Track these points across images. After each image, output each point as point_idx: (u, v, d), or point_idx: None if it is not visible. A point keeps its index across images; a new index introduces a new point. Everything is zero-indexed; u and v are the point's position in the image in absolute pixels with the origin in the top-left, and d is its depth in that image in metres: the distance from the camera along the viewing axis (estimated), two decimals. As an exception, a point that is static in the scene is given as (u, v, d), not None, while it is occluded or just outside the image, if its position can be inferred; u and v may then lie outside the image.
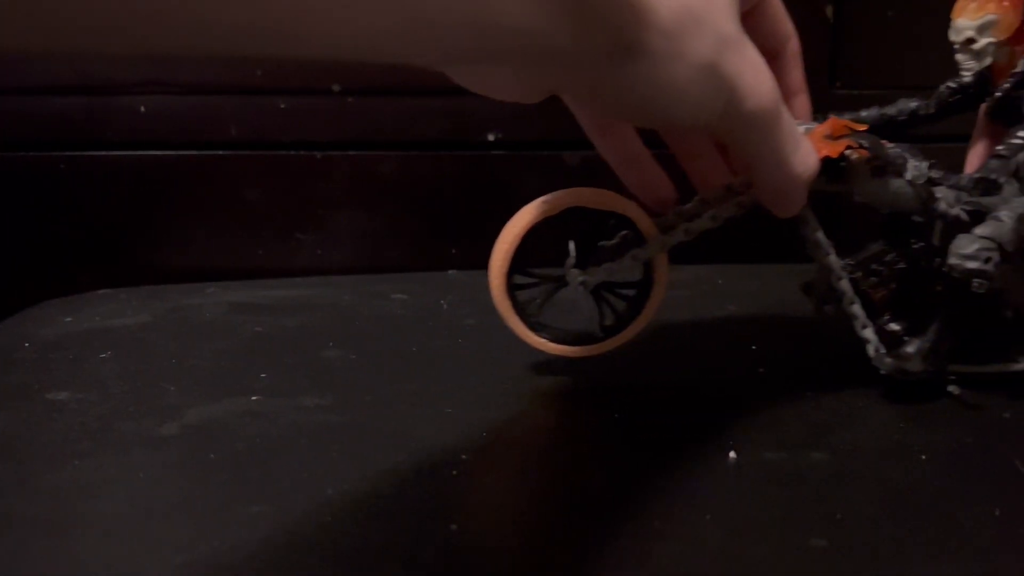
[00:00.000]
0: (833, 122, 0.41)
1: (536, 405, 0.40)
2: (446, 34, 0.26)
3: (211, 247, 0.72)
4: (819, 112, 0.43)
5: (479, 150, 0.72)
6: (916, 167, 0.40)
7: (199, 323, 0.55)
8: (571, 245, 0.41)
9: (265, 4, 0.21)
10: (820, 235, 0.41)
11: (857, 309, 0.41)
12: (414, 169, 0.71)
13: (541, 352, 0.42)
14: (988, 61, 0.39)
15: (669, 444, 0.37)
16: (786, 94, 0.42)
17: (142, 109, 0.69)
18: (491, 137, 0.70)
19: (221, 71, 0.68)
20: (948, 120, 0.43)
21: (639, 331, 0.43)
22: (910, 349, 0.40)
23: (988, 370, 0.42)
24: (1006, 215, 0.39)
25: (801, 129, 0.40)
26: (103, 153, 0.69)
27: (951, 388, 0.40)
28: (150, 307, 0.58)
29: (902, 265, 0.42)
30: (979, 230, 0.39)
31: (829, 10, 0.66)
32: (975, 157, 0.45)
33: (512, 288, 0.41)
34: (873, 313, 0.41)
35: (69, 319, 0.56)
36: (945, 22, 0.41)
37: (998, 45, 0.39)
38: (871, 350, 0.40)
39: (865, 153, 0.39)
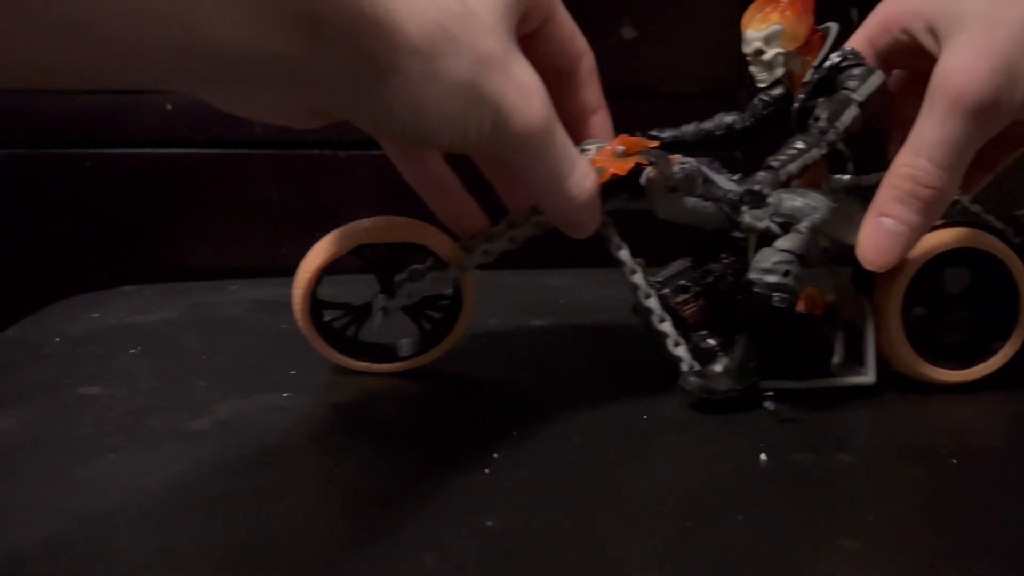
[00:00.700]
0: (623, 139, 0.40)
1: (565, 404, 0.40)
2: (158, 59, 0.26)
3: (233, 244, 0.72)
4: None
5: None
6: (709, 182, 0.40)
7: (224, 320, 0.55)
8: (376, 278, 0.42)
9: None
10: (624, 253, 0.41)
11: (667, 327, 0.41)
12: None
13: (571, 351, 0.42)
14: (780, 72, 0.39)
15: (699, 446, 0.37)
16: (584, 113, 0.43)
17: (168, 108, 0.69)
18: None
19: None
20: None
21: (449, 349, 0.44)
22: (717, 368, 0.40)
23: (812, 385, 0.41)
24: (804, 226, 0.39)
25: (592, 148, 0.40)
26: (128, 151, 0.70)
27: (766, 404, 0.39)
28: (174, 303, 0.58)
29: (709, 280, 0.41)
30: (779, 243, 0.39)
31: (854, 13, 0.67)
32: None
33: (318, 318, 0.43)
34: (686, 330, 0.41)
35: (96, 315, 0.57)
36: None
37: (789, 56, 0.39)
38: (684, 367, 0.40)
39: (656, 170, 0.39)
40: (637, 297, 0.41)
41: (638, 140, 0.40)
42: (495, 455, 0.35)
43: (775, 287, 0.38)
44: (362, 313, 0.43)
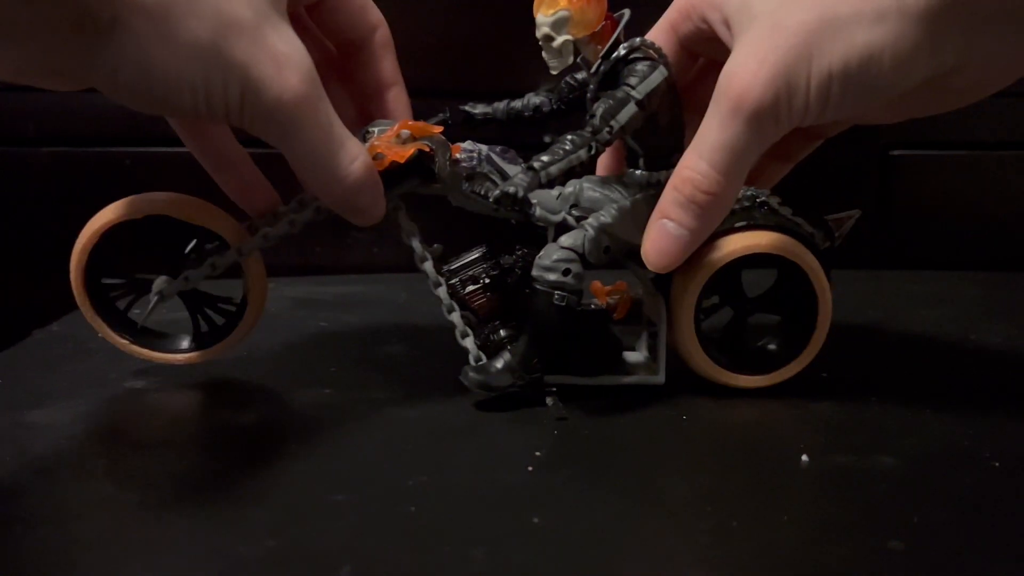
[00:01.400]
0: (406, 123, 0.40)
1: (605, 402, 0.41)
2: None
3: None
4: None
5: (531, 150, 0.72)
6: (492, 173, 0.40)
7: (265, 317, 0.55)
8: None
9: None
10: (416, 242, 0.41)
11: (455, 317, 0.41)
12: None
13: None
14: (569, 60, 0.38)
15: (742, 447, 0.37)
16: (379, 87, 0.42)
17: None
18: (547, 139, 0.71)
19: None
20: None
21: (241, 339, 0.44)
22: (498, 364, 0.40)
23: (600, 382, 0.41)
24: (591, 224, 0.39)
25: (375, 131, 0.39)
26: (166, 150, 0.71)
27: (548, 400, 0.40)
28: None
29: (496, 273, 0.41)
30: (563, 239, 0.39)
31: None
32: (605, 158, 0.45)
33: (94, 288, 0.42)
34: (477, 320, 0.41)
35: (137, 311, 0.58)
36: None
37: (580, 42, 0.38)
38: (471, 360, 0.40)
39: (430, 152, 0.39)
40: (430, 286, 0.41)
41: (422, 125, 0.40)
42: (537, 453, 0.36)
43: (555, 285, 0.38)
44: (143, 292, 0.43)
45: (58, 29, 0.30)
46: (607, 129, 0.37)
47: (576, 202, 0.40)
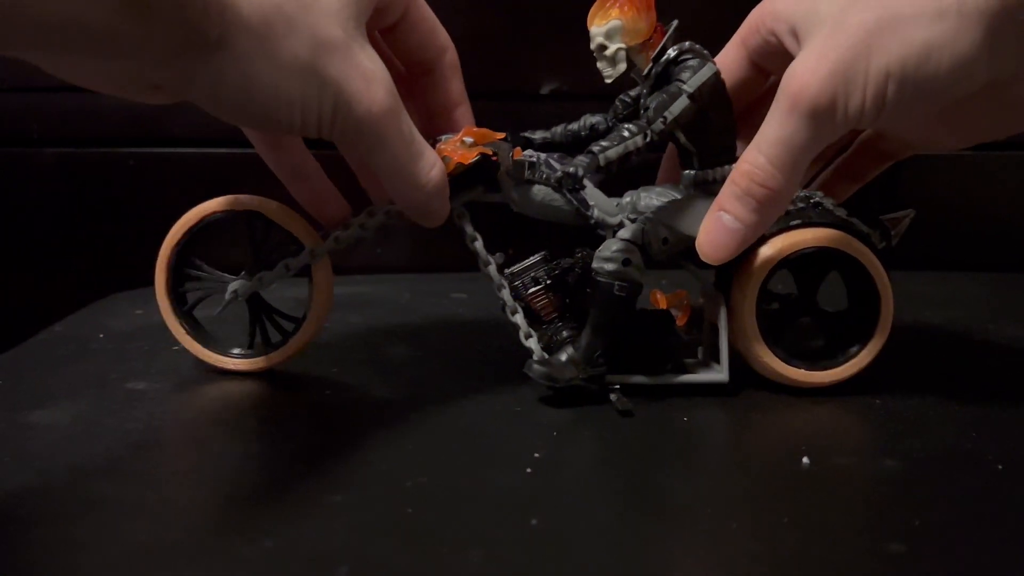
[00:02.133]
0: (469, 130, 0.41)
1: (604, 404, 0.41)
2: None
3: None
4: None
5: (537, 151, 0.72)
6: (550, 169, 0.41)
7: (266, 317, 0.56)
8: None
9: None
10: (478, 245, 0.42)
11: (519, 319, 0.41)
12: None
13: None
14: (623, 68, 0.39)
15: (742, 448, 0.37)
16: (447, 107, 0.44)
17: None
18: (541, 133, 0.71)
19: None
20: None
21: (304, 345, 0.44)
22: (562, 357, 0.40)
23: (663, 381, 0.42)
24: (647, 216, 0.40)
25: (442, 139, 0.41)
26: (171, 150, 0.71)
27: (612, 396, 0.40)
28: (217, 300, 0.59)
29: (557, 272, 0.42)
30: (621, 233, 0.40)
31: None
32: (663, 168, 0.46)
33: (176, 283, 0.44)
34: (539, 322, 0.42)
35: (140, 311, 0.58)
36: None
37: (632, 51, 0.39)
38: (535, 358, 0.41)
39: (495, 157, 0.40)
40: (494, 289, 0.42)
41: (484, 131, 0.41)
42: (537, 455, 0.35)
43: (613, 275, 0.39)
44: (212, 290, 0.44)
45: (168, 46, 0.31)
46: (661, 119, 0.39)
47: (633, 208, 0.41)
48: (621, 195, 0.42)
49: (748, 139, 0.38)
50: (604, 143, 0.40)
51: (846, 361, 0.42)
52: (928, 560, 0.28)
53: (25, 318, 0.59)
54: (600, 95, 0.45)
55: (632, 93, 0.42)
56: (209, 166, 0.71)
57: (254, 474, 0.34)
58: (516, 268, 0.42)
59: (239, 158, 0.72)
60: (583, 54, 0.41)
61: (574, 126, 0.43)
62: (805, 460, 0.35)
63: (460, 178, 0.41)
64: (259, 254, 0.44)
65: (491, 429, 0.38)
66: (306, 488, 0.33)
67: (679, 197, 0.41)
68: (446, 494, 0.32)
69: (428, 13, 0.42)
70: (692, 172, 0.41)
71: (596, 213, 0.41)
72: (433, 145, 0.41)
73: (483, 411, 0.40)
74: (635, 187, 0.42)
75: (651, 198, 0.41)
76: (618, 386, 0.41)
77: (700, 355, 0.43)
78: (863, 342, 0.42)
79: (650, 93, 0.40)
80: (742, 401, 0.41)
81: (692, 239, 0.40)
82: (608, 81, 0.40)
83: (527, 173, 0.41)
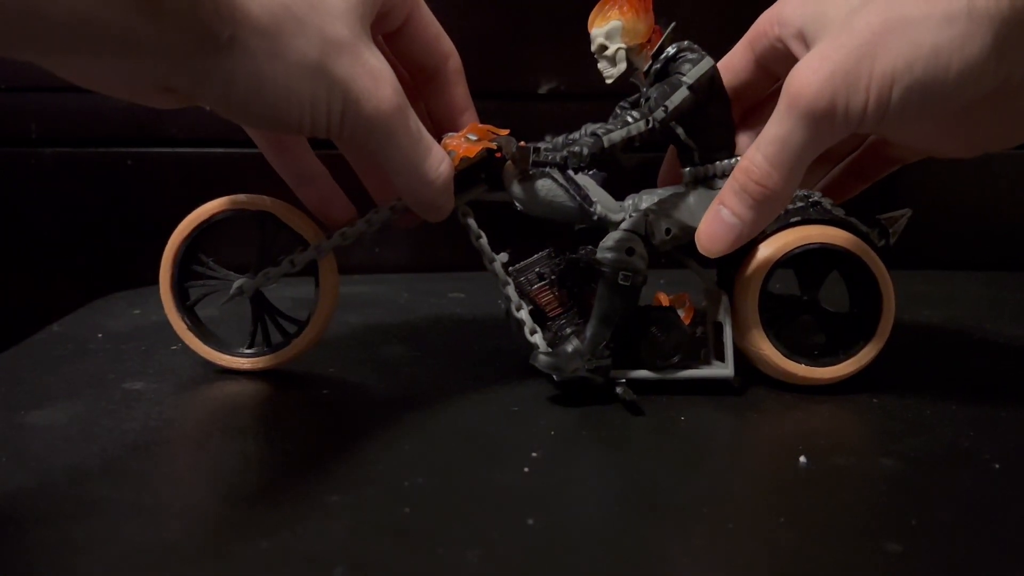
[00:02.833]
0: (473, 127, 0.42)
1: (602, 404, 0.41)
2: None
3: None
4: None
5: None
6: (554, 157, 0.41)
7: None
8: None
9: None
10: (483, 242, 0.43)
11: (524, 315, 0.42)
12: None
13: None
14: (623, 67, 0.40)
15: (740, 448, 0.37)
16: (452, 112, 0.44)
17: (207, 107, 0.70)
18: (547, 139, 0.71)
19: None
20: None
21: (309, 345, 0.44)
22: (568, 348, 0.41)
23: (669, 376, 0.42)
24: (650, 207, 0.41)
25: (446, 136, 0.42)
26: (169, 150, 0.71)
27: (618, 389, 0.40)
28: (214, 300, 0.59)
29: (563, 266, 0.42)
30: (624, 224, 0.40)
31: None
32: (663, 170, 0.46)
33: (181, 279, 0.44)
34: (544, 317, 0.42)
35: (137, 311, 0.58)
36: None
37: (631, 51, 0.40)
38: (535, 352, 0.41)
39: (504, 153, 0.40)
40: (497, 285, 0.42)
41: (489, 128, 0.42)
42: (534, 454, 0.35)
43: (616, 263, 0.40)
44: (215, 288, 0.45)
45: (180, 46, 0.31)
46: (662, 108, 0.39)
47: (635, 207, 0.41)
48: (623, 198, 0.42)
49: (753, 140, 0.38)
50: (608, 126, 0.40)
51: (847, 358, 0.42)
52: (925, 559, 0.28)
53: (24, 318, 0.59)
54: (597, 95, 0.45)
55: (631, 99, 0.42)
56: (207, 166, 0.71)
57: (251, 474, 0.34)
58: (520, 265, 0.43)
59: (237, 158, 0.73)
60: (580, 54, 0.41)
61: (575, 134, 0.43)
62: (803, 459, 0.35)
63: (464, 175, 0.41)
64: (266, 254, 0.44)
65: (489, 429, 0.38)
66: (304, 488, 0.33)
67: (680, 190, 0.41)
68: (444, 494, 0.32)
69: (431, 19, 0.42)
70: (692, 168, 0.41)
71: (599, 209, 0.41)
72: (439, 142, 0.41)
73: (481, 411, 0.40)
74: (636, 190, 0.42)
75: (653, 198, 0.41)
76: (624, 380, 0.41)
77: (703, 355, 0.43)
78: (864, 340, 0.42)
79: (649, 89, 0.40)
80: (740, 401, 0.41)
81: (694, 231, 0.40)
82: (609, 81, 0.40)
83: (533, 156, 0.41)
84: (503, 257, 0.43)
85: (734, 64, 0.43)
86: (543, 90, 0.70)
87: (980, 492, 0.33)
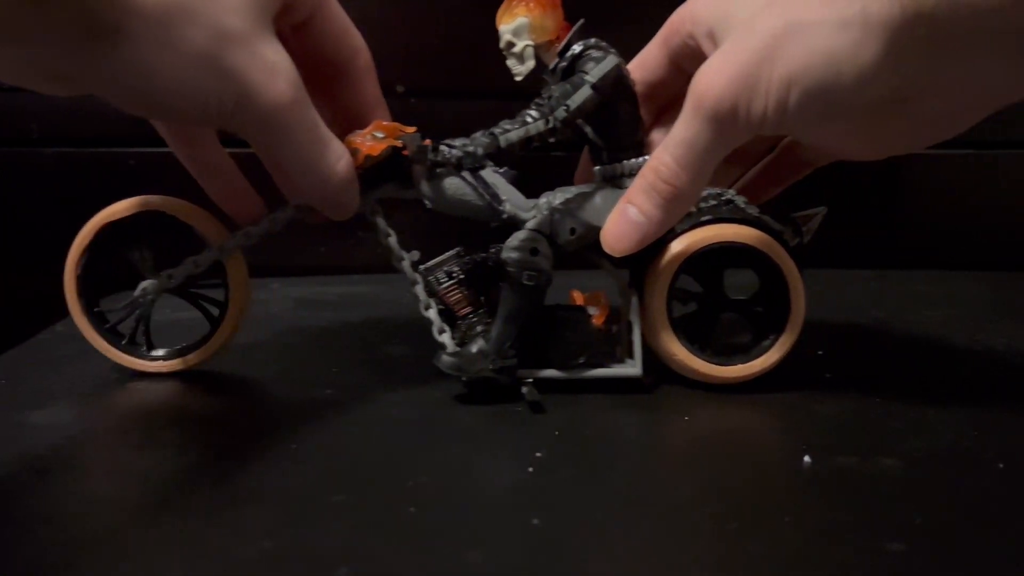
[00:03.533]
0: (379, 124, 0.41)
1: (606, 403, 0.41)
2: None
3: (274, 243, 0.73)
4: None
5: (539, 151, 0.72)
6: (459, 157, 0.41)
7: (266, 317, 0.56)
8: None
9: None
10: (392, 241, 0.42)
11: (432, 314, 0.42)
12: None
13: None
14: (531, 64, 0.40)
15: (743, 448, 0.37)
16: (362, 109, 0.44)
17: (99, 96, 0.70)
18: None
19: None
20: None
21: (223, 343, 0.44)
22: (473, 349, 0.41)
23: (578, 375, 0.42)
24: (553, 205, 0.41)
25: (351, 135, 0.41)
26: (169, 150, 0.71)
27: (524, 390, 0.40)
28: (215, 300, 0.59)
29: (470, 266, 0.42)
30: (528, 223, 0.40)
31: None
32: (579, 169, 0.46)
33: (87, 292, 0.43)
34: (453, 317, 0.42)
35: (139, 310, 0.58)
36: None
37: (540, 48, 0.40)
38: (439, 353, 0.41)
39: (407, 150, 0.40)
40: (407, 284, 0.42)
41: (395, 125, 0.42)
42: (538, 454, 0.35)
43: (520, 263, 0.40)
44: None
45: (64, 33, 0.30)
46: (563, 107, 0.39)
47: (548, 206, 0.41)
48: (539, 196, 0.42)
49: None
50: (506, 125, 0.40)
51: (758, 356, 0.42)
52: (928, 559, 0.28)
53: (25, 318, 0.59)
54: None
55: (548, 93, 0.42)
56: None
57: (253, 474, 0.34)
58: (430, 264, 0.43)
59: (241, 157, 0.73)
60: None
61: (495, 130, 0.43)
62: (807, 459, 0.35)
63: (372, 172, 0.41)
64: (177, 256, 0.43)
65: (492, 428, 0.38)
66: (306, 488, 0.33)
67: (587, 189, 0.41)
68: (446, 494, 0.32)
69: (339, 13, 0.42)
70: (600, 167, 0.42)
71: (508, 207, 0.41)
72: (342, 139, 0.41)
73: (483, 410, 0.40)
74: (552, 188, 0.42)
75: (566, 196, 0.41)
76: (531, 380, 0.41)
77: (619, 353, 0.43)
78: (774, 337, 0.42)
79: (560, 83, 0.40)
80: (743, 401, 0.41)
81: (599, 230, 0.40)
82: (518, 79, 0.40)
83: (430, 155, 0.41)
84: (414, 255, 0.42)
85: (648, 61, 0.43)
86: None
87: (983, 492, 0.33)
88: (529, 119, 0.40)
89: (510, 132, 0.40)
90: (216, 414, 0.41)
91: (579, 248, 0.41)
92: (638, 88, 0.42)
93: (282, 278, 0.67)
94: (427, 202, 0.42)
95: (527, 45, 0.39)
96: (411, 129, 0.41)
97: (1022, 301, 0.63)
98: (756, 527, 0.30)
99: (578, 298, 0.44)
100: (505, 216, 0.41)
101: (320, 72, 0.42)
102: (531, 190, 0.42)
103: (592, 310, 0.43)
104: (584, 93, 0.39)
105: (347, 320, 0.56)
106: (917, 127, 0.38)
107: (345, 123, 0.44)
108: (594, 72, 0.39)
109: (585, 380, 0.42)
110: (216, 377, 0.44)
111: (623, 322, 0.43)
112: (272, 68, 0.35)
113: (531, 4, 0.39)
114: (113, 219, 0.43)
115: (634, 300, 0.42)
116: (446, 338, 0.41)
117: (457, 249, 0.43)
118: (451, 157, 0.41)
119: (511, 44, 0.40)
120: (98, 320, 0.44)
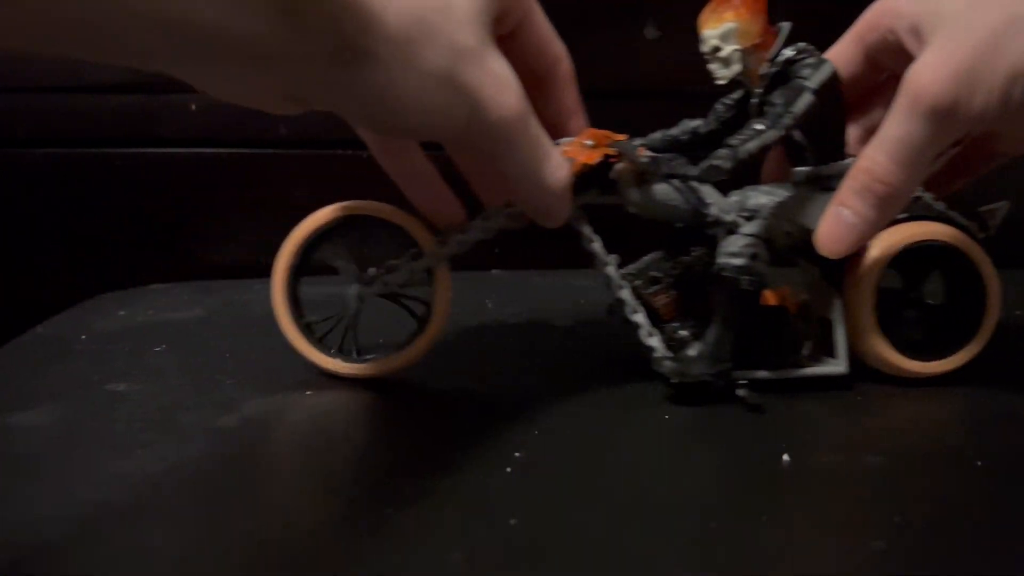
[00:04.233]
0: (591, 132, 0.41)
1: (587, 404, 0.41)
2: (133, 35, 0.27)
3: (260, 243, 0.73)
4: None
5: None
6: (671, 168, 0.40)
7: (251, 318, 0.56)
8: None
9: None
10: (596, 246, 0.42)
11: (640, 318, 0.41)
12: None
13: (593, 352, 0.42)
14: (737, 68, 0.39)
15: (724, 447, 0.37)
16: (561, 116, 0.43)
17: (193, 107, 0.70)
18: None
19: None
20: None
21: (427, 348, 0.43)
22: (692, 352, 0.41)
23: (785, 375, 0.42)
24: (767, 211, 0.40)
25: (562, 142, 0.41)
26: (157, 151, 0.71)
27: (740, 391, 0.40)
28: (202, 302, 0.59)
29: (679, 271, 0.42)
30: (744, 228, 0.40)
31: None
32: (767, 167, 0.46)
33: (294, 292, 0.43)
34: (657, 320, 0.42)
35: (123, 312, 0.58)
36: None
37: (745, 52, 0.39)
38: (657, 355, 0.41)
39: (624, 162, 0.40)
40: (611, 289, 0.42)
41: (605, 133, 0.41)
42: (517, 455, 0.35)
43: (742, 270, 0.39)
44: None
45: (316, 58, 0.31)
46: (789, 115, 0.39)
47: (742, 206, 0.41)
48: (727, 194, 0.42)
49: (859, 132, 0.39)
50: (741, 136, 0.40)
51: (958, 351, 0.42)
52: (910, 557, 0.28)
53: (12, 319, 0.59)
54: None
55: (734, 96, 0.42)
56: (198, 166, 0.71)
57: (239, 474, 0.34)
58: (633, 268, 0.42)
59: (224, 158, 0.73)
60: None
61: (674, 131, 0.43)
62: (786, 458, 0.35)
63: (577, 181, 0.40)
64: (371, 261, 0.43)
65: (471, 428, 0.38)
66: (286, 488, 0.33)
67: (792, 193, 0.41)
68: (426, 494, 0.32)
69: (544, 21, 0.42)
70: (805, 169, 0.41)
71: (714, 211, 0.41)
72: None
73: (464, 410, 0.40)
74: (739, 186, 0.42)
75: (759, 196, 0.41)
76: (745, 381, 0.41)
77: (807, 350, 0.43)
78: (972, 333, 0.42)
79: (766, 92, 0.40)
80: (723, 400, 0.41)
81: (810, 232, 0.40)
82: (721, 82, 0.40)
83: (664, 168, 0.41)
84: (615, 259, 0.42)
85: (842, 57, 0.43)
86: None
87: (964, 490, 0.33)
88: (760, 127, 0.39)
89: (748, 143, 0.39)
90: (204, 416, 0.40)
91: (790, 251, 0.41)
92: None
93: (267, 278, 0.67)
94: (631, 207, 0.42)
95: (734, 50, 0.39)
96: (621, 136, 0.41)
97: (1012, 300, 0.63)
98: (736, 526, 0.30)
99: (769, 296, 0.44)
100: (709, 220, 0.41)
101: (524, 80, 0.43)
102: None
103: (784, 301, 0.43)
104: (806, 99, 0.39)
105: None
106: None
107: (545, 129, 0.44)
108: (814, 79, 0.39)
109: (793, 380, 0.42)
110: (207, 378, 0.44)
111: (813, 318, 0.43)
112: (501, 81, 0.35)
113: (739, 9, 0.39)
114: (319, 228, 0.43)
115: (837, 301, 0.42)
116: (655, 340, 0.41)
117: (660, 253, 0.43)
118: (696, 172, 0.40)
119: (717, 49, 0.39)
120: (306, 330, 0.44)
